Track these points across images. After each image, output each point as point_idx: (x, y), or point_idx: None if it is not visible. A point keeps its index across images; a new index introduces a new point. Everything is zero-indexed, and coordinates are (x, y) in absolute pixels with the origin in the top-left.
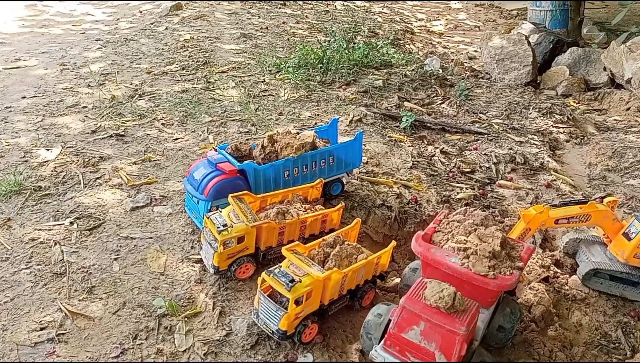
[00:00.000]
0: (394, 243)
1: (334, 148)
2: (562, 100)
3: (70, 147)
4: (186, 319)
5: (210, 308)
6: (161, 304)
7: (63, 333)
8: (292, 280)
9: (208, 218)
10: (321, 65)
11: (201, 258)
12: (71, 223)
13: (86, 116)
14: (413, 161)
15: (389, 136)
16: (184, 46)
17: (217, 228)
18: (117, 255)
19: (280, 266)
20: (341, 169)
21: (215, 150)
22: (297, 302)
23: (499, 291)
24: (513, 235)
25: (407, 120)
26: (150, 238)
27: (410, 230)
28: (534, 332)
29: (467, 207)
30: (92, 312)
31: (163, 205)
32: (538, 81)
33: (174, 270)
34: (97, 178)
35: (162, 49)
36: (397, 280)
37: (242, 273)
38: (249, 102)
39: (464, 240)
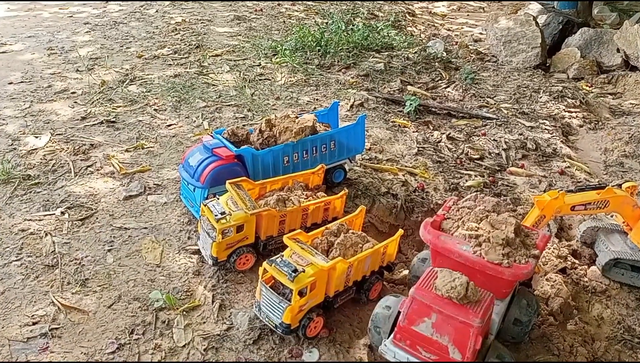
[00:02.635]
0: (401, 231)
1: (335, 133)
2: (573, 83)
3: (59, 134)
4: (185, 313)
5: (210, 302)
6: (158, 297)
7: (56, 328)
8: (295, 270)
9: (205, 205)
10: (319, 48)
11: (199, 249)
12: (62, 213)
13: (75, 102)
14: (418, 147)
15: (392, 121)
16: (176, 29)
17: (215, 216)
18: (111, 246)
19: (282, 256)
20: (343, 155)
21: (211, 135)
22: (301, 293)
23: (514, 281)
24: (527, 223)
25: (411, 104)
26: (145, 228)
27: (418, 219)
28: (553, 325)
29: (478, 193)
30: (86, 306)
31: (157, 194)
32: (547, 64)
33: (171, 261)
34: (88, 166)
35: (153, 32)
36: (406, 272)
37: (242, 264)
38: (245, 86)
39: (476, 227)
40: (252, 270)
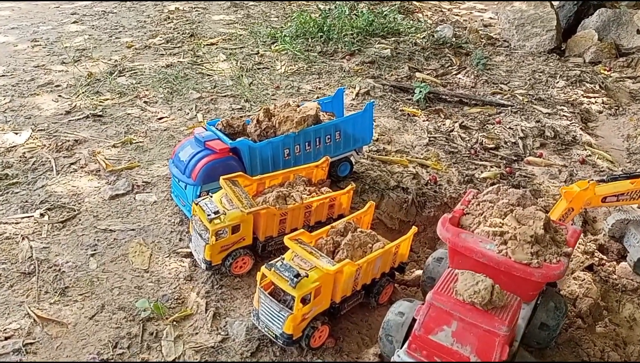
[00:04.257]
0: (414, 229)
1: (340, 122)
2: (591, 68)
3: (41, 130)
4: (175, 323)
5: (203, 310)
6: (145, 306)
7: (31, 343)
8: (298, 275)
9: (197, 204)
10: (321, 34)
11: (191, 252)
12: (42, 215)
13: (60, 96)
14: (429, 137)
15: (400, 110)
16: (169, 18)
17: (208, 216)
18: (95, 250)
19: (283, 259)
20: (349, 147)
21: (204, 127)
22: (304, 301)
23: (544, 283)
24: (553, 217)
25: (420, 92)
26: (132, 230)
27: (430, 214)
28: (581, 329)
29: (500, 185)
30: (65, 317)
31: (146, 192)
32: (563, 48)
33: (160, 266)
34: (72, 164)
35: (144, 21)
36: (418, 272)
37: (239, 267)
38: (242, 76)
39: (500, 222)
40: (250, 274)
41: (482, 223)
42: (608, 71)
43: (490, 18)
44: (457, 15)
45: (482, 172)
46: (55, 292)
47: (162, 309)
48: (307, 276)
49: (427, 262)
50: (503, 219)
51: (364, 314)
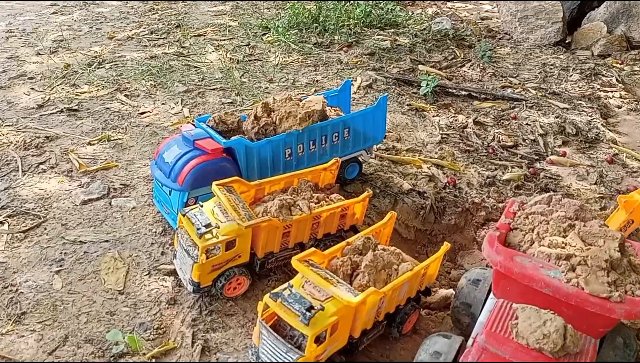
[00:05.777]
0: (447, 245)
1: (350, 118)
2: (602, 61)
3: (9, 125)
4: (154, 360)
5: (189, 343)
6: (118, 338)
7: None
8: (311, 308)
9: (184, 215)
10: (317, 25)
11: (174, 269)
12: (1, 223)
13: (32, 88)
14: (442, 134)
15: (408, 105)
16: (153, 9)
17: (197, 229)
18: (60, 266)
19: (292, 287)
20: (359, 146)
21: (193, 123)
22: (318, 340)
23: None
24: None
25: (428, 85)
26: (106, 241)
27: (450, 222)
28: None
29: (552, 194)
30: (18, 352)
31: (124, 197)
32: (568, 41)
33: (138, 286)
34: (41, 163)
35: (127, 12)
36: (444, 292)
37: (233, 289)
38: (232, 68)
39: (562, 242)
40: (246, 296)
41: (537, 241)
42: (620, 64)
43: (487, 11)
44: (451, 8)
45: (503, 173)
46: (10, 319)
47: (139, 342)
48: (322, 309)
49: (461, 284)
50: (564, 237)
51: (384, 347)
